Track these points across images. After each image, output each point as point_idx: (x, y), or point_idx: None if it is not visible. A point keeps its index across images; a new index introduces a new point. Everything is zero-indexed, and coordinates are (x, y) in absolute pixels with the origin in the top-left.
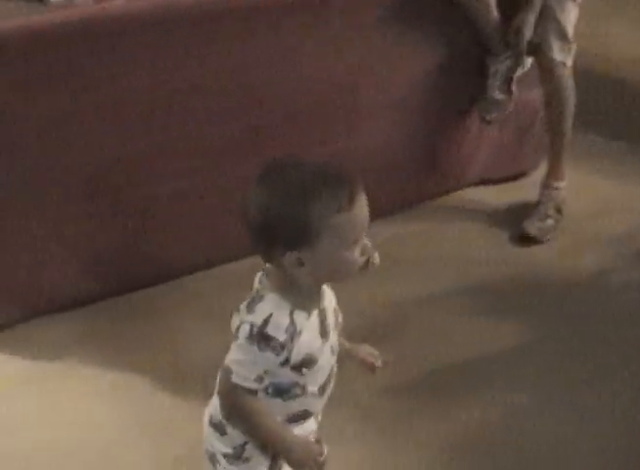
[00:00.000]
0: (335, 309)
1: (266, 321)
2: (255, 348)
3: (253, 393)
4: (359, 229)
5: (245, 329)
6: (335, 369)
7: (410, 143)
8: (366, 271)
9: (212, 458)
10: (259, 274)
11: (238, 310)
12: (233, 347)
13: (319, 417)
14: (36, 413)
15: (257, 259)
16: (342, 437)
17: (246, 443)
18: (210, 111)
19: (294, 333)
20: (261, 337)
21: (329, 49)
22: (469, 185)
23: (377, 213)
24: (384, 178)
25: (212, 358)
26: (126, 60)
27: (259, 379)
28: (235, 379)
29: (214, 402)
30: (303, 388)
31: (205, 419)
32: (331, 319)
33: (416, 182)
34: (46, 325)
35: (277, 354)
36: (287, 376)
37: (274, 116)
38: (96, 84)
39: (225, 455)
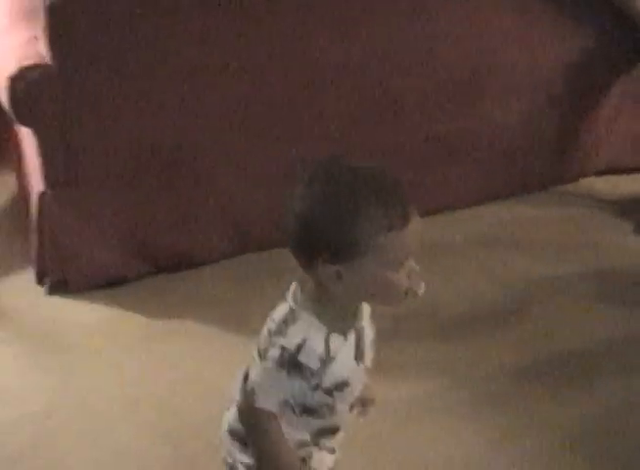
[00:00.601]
0: (370, 324)
1: (299, 348)
2: (285, 374)
3: (277, 416)
4: (408, 251)
5: (275, 353)
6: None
7: (541, 126)
8: (407, 300)
9: (232, 468)
10: (293, 286)
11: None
12: (260, 368)
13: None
14: (150, 370)
15: None
16: (466, 418)
17: None
18: (344, 86)
19: (327, 360)
20: (292, 364)
21: (469, 30)
22: (597, 172)
23: (499, 195)
24: (509, 160)
25: None
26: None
27: (285, 402)
28: (258, 404)
29: (234, 412)
30: (333, 408)
31: (225, 427)
32: (368, 338)
33: (542, 166)
34: (170, 282)
35: (307, 382)
36: (315, 399)
37: (411, 90)
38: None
39: (247, 467)
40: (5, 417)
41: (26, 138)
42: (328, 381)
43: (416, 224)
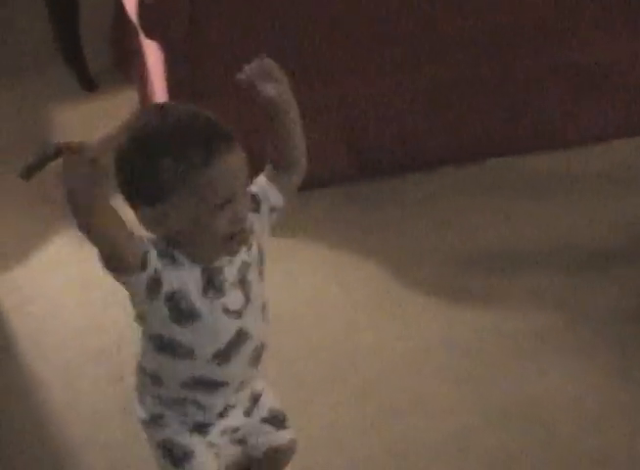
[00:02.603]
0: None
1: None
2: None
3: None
4: (221, 193)
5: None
6: (255, 342)
7: None
8: (232, 247)
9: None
10: None
11: None
12: None
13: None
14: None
15: None
16: (578, 356)
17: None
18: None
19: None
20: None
21: None
22: None
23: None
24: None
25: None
26: None
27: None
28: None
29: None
30: (191, 350)
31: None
32: (231, 277)
33: None
34: (296, 201)
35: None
36: (164, 326)
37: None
38: None
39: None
40: None
41: (152, 52)
42: (167, 286)
43: (226, 165)
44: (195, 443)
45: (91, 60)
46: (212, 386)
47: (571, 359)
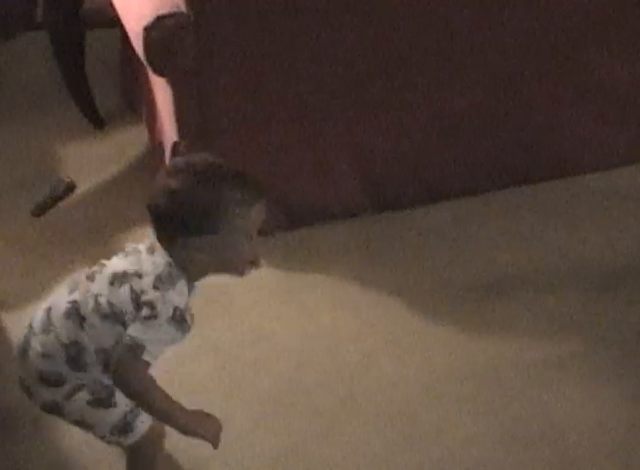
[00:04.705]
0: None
1: (187, 307)
2: (174, 328)
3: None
4: (256, 226)
5: (168, 312)
6: None
7: None
8: (249, 271)
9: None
10: (159, 249)
11: (133, 275)
12: (146, 325)
13: None
14: (285, 322)
15: None
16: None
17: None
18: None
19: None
20: (182, 319)
21: None
22: None
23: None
24: None
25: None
26: None
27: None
28: (146, 357)
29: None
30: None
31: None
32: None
33: None
34: (311, 235)
35: (183, 336)
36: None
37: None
38: None
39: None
40: None
41: (160, 88)
42: None
43: (263, 205)
44: None
45: (100, 97)
46: None
47: (592, 386)
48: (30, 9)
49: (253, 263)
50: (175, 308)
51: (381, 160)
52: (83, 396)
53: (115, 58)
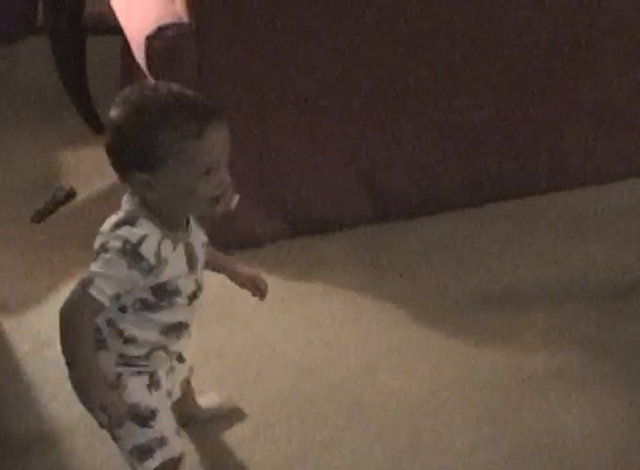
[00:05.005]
0: (203, 244)
1: (140, 241)
2: (125, 263)
3: (100, 309)
4: (210, 160)
5: (117, 244)
6: (200, 291)
7: None
8: (219, 209)
9: None
10: (126, 196)
11: (100, 233)
12: (98, 261)
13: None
14: (286, 331)
15: None
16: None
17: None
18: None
19: (160, 261)
20: (134, 254)
21: None
22: None
23: None
24: None
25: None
26: None
27: (116, 297)
28: (92, 291)
29: None
30: (170, 302)
31: None
32: (199, 254)
33: None
34: (313, 244)
35: (143, 277)
36: (151, 297)
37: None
38: None
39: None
40: None
41: None
42: (161, 281)
43: (217, 135)
44: (155, 398)
45: (100, 103)
46: (181, 328)
47: (593, 395)
48: (31, 14)
49: (219, 200)
50: (126, 241)
51: (383, 170)
52: None
53: (116, 64)
